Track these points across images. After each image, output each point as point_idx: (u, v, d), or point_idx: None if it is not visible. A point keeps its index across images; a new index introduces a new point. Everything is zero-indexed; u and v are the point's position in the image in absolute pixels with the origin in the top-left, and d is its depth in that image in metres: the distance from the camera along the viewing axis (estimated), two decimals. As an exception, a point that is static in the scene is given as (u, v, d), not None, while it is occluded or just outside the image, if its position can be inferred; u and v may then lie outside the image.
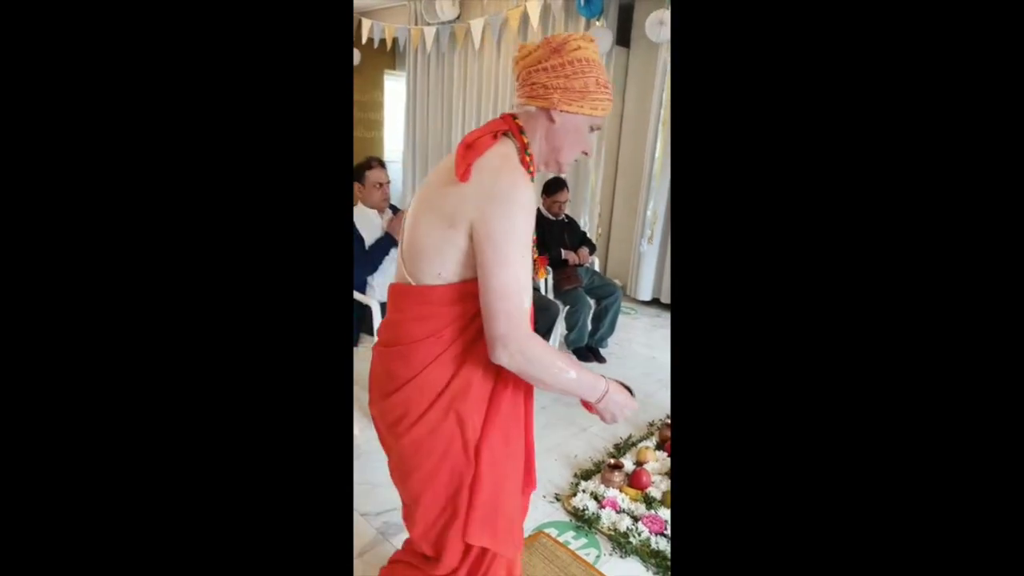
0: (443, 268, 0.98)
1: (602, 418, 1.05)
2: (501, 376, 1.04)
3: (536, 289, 3.05)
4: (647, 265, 4.37)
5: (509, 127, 1.01)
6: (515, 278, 0.92)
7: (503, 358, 0.94)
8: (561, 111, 0.99)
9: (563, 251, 3.25)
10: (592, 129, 1.04)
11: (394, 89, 6.66)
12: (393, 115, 6.75)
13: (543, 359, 0.96)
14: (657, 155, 4.17)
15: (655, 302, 4.44)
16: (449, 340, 1.00)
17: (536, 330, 3.53)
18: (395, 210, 2.49)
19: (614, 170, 4.71)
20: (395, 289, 1.07)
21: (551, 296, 3.12)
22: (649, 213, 4.28)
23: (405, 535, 1.76)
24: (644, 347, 3.63)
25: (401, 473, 1.09)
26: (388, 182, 2.45)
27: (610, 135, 4.61)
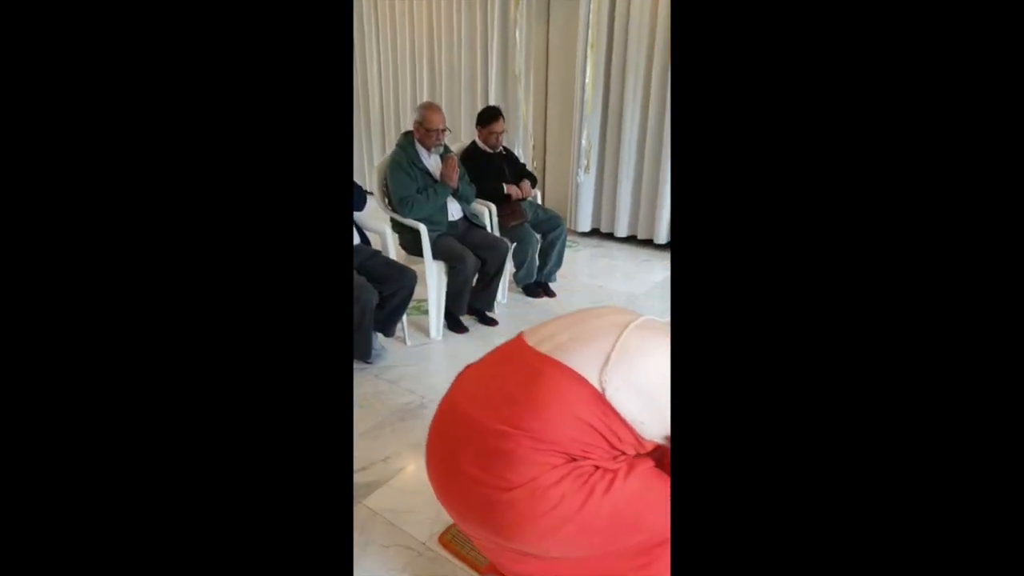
0: (651, 427, 0.98)
1: None
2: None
3: (482, 227, 2.92)
4: (585, 195, 4.30)
5: None
6: None
7: None
8: None
9: (505, 186, 3.12)
10: None
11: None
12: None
13: None
14: (588, 80, 4.03)
15: (595, 232, 4.42)
16: (596, 464, 0.99)
17: (486, 270, 3.38)
18: None
19: (544, 98, 4.55)
20: (571, 378, 0.99)
21: (497, 234, 3.01)
22: (583, 142, 4.18)
23: (374, 496, 1.68)
24: (589, 278, 3.62)
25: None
26: None
27: (537, 61, 4.41)
